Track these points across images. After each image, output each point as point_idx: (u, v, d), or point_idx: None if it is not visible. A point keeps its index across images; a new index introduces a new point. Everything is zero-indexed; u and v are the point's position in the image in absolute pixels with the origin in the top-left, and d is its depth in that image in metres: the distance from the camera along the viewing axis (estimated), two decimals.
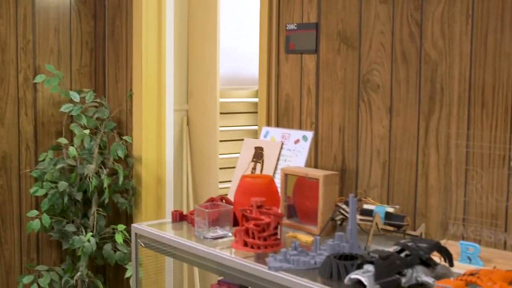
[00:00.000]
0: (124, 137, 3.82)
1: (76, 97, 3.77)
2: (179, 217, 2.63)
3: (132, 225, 2.59)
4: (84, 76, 4.08)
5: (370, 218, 2.28)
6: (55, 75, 3.74)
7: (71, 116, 3.92)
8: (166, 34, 3.85)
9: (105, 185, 3.63)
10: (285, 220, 2.53)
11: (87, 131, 3.69)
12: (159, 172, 3.90)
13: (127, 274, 3.65)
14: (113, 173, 3.85)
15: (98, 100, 3.91)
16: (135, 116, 3.85)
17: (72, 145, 3.73)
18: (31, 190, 3.66)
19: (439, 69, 2.39)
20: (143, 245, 2.54)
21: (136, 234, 2.56)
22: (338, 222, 2.46)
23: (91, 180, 3.62)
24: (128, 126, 3.94)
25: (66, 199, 3.65)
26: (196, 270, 4.14)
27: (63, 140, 3.76)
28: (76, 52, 4.04)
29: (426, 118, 2.43)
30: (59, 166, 3.67)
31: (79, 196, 3.71)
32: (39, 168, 3.76)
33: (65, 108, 3.76)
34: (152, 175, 3.88)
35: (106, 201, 3.69)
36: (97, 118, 3.85)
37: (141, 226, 2.56)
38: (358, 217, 2.31)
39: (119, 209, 3.83)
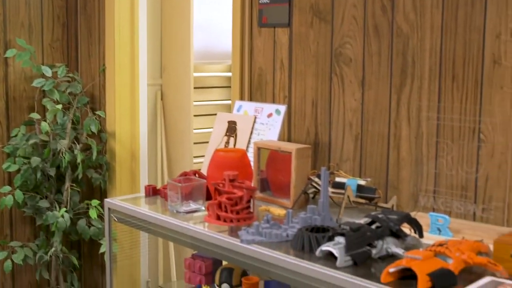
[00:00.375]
0: (97, 112, 3.80)
1: (48, 71, 3.73)
2: (152, 192, 2.63)
3: (105, 200, 2.59)
4: (56, 50, 4.04)
5: (342, 191, 2.30)
6: (26, 50, 3.70)
7: (43, 91, 3.88)
8: (139, 8, 3.81)
9: (79, 160, 3.61)
10: (258, 194, 2.54)
11: (59, 106, 3.66)
12: (133, 147, 3.89)
13: (102, 249, 3.65)
14: (86, 148, 3.83)
15: (70, 74, 3.88)
16: (108, 91, 3.83)
17: (45, 120, 3.70)
18: (4, 166, 3.63)
19: (411, 42, 2.40)
20: (116, 219, 2.54)
21: (109, 209, 2.56)
22: (311, 195, 2.47)
23: (64, 155, 3.60)
24: (101, 101, 3.91)
25: (39, 174, 3.63)
26: (171, 244, 4.15)
27: (35, 115, 3.73)
28: (48, 26, 3.99)
29: (398, 91, 2.44)
30: (31, 141, 3.65)
31: (52, 172, 3.69)
32: (12, 143, 3.73)
33: (37, 83, 3.72)
34: (126, 150, 3.87)
35: (80, 176, 3.68)
36: (70, 93, 3.81)
37: (114, 200, 2.55)
38: (330, 190, 2.32)
39: (93, 184, 3.82)
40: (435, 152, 2.34)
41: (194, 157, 4.21)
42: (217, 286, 2.50)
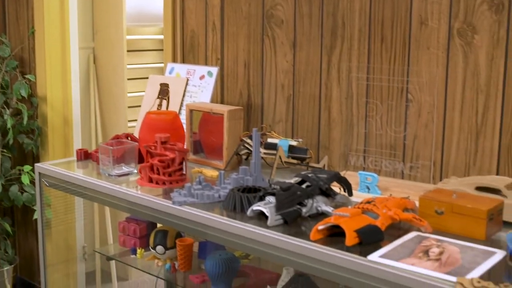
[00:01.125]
0: (27, 76, 3.72)
1: None
2: (84, 156, 2.60)
3: (35, 164, 2.55)
4: None
5: (274, 152, 2.32)
6: None
7: None
8: None
9: (9, 125, 3.54)
10: (192, 156, 2.54)
11: None
12: (65, 112, 3.82)
13: (36, 216, 3.60)
14: (17, 113, 3.75)
15: None
16: (38, 54, 3.74)
17: None
18: None
19: (341, 4, 2.41)
20: (47, 184, 2.50)
21: (39, 173, 2.52)
22: (243, 157, 2.49)
23: None
24: (31, 65, 3.83)
25: None
26: (107, 208, 4.13)
27: None
28: None
29: (328, 52, 2.47)
30: None
31: None
32: None
33: None
34: (58, 115, 3.80)
35: (11, 142, 3.61)
36: None
37: (44, 165, 2.51)
38: (262, 151, 2.34)
39: (25, 150, 3.76)
40: (364, 113, 2.38)
41: (129, 121, 4.18)
42: (152, 248, 2.51)
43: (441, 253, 1.57)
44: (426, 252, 1.57)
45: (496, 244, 1.65)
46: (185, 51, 3.00)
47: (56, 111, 3.78)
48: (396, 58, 2.27)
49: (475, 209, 1.69)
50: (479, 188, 1.87)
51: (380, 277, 1.50)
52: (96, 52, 4.24)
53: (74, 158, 2.64)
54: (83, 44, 4.11)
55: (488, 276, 1.46)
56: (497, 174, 2.08)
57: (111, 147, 2.33)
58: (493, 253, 1.58)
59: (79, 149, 2.61)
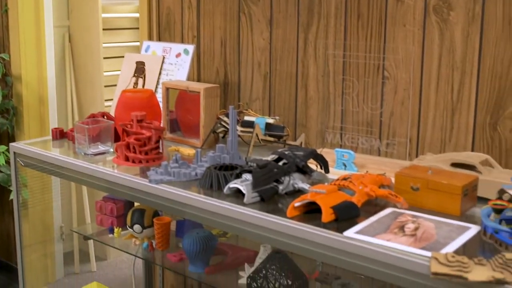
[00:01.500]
0: (1, 55, 3.67)
1: None
2: (60, 135, 2.58)
3: (10, 144, 2.52)
4: None
5: (251, 130, 2.31)
6: None
7: None
8: None
9: None
10: (169, 135, 2.53)
11: None
12: (40, 91, 3.79)
13: (12, 196, 3.58)
14: None
15: None
16: (12, 33, 3.69)
17: None
18: None
19: None
20: (22, 164, 2.48)
21: (14, 153, 2.50)
22: (220, 135, 2.48)
23: None
24: (5, 43, 3.78)
25: None
26: (84, 187, 4.11)
27: None
28: None
29: (305, 30, 2.46)
30: None
31: None
32: None
33: None
34: (33, 94, 3.77)
35: None
36: None
37: (19, 144, 2.49)
38: (239, 128, 2.34)
39: (0, 130, 3.72)
40: (341, 90, 2.38)
41: (106, 100, 4.15)
42: (129, 227, 2.50)
43: (416, 228, 1.58)
44: (401, 228, 1.58)
45: (471, 220, 1.66)
46: (161, 29, 2.97)
47: (31, 90, 3.74)
48: (373, 35, 2.27)
49: (450, 185, 1.70)
50: (454, 165, 1.88)
51: (356, 253, 1.51)
52: (71, 31, 4.20)
53: (50, 137, 2.62)
54: (58, 22, 4.06)
55: (462, 250, 1.47)
56: (472, 150, 2.10)
57: (87, 126, 2.31)
58: (468, 228, 1.59)
59: (55, 128, 2.58)
